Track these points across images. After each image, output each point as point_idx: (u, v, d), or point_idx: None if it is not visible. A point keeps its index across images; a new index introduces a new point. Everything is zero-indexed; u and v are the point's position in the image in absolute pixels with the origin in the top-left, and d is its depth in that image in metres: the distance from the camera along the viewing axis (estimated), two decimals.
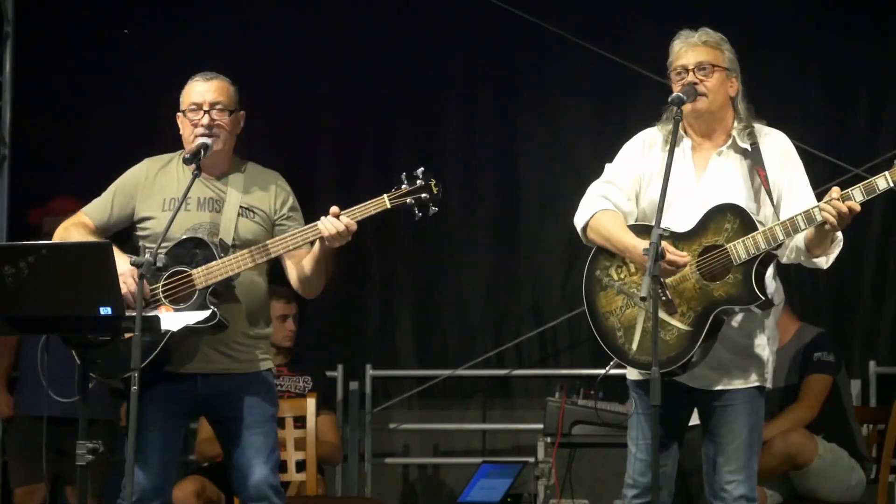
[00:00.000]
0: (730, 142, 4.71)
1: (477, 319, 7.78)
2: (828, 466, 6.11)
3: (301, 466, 6.43)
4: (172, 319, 4.70)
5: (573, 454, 6.34)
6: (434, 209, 4.81)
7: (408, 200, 4.79)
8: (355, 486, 7.52)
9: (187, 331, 4.73)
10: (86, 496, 4.58)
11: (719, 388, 4.64)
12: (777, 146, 4.72)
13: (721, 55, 4.70)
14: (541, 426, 6.48)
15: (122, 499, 4.74)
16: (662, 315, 4.55)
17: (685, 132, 4.72)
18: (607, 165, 4.81)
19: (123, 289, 4.63)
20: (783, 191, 4.67)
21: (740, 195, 4.64)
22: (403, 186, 4.80)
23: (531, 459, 6.71)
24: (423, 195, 4.79)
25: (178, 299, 4.79)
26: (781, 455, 6.05)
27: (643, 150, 4.75)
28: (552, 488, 6.33)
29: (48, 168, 7.64)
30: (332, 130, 7.84)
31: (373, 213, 4.79)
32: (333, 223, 4.73)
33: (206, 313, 4.74)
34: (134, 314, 4.47)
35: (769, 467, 6.00)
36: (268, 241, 4.85)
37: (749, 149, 4.68)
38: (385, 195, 4.80)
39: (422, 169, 4.82)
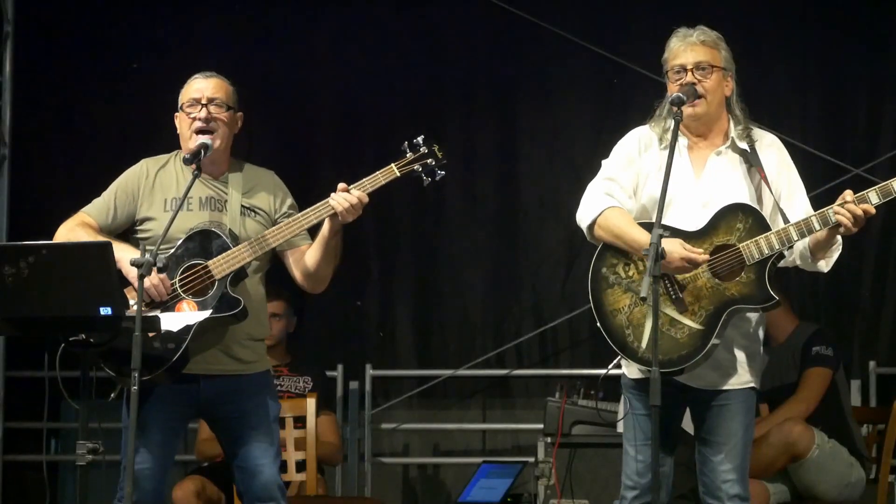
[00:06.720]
0: (728, 142, 4.71)
1: (477, 319, 7.76)
2: (826, 458, 6.08)
3: (301, 466, 6.42)
4: (195, 314, 4.70)
5: (573, 454, 6.34)
6: (441, 174, 4.88)
7: (415, 167, 4.86)
8: (355, 486, 7.52)
9: (208, 324, 4.73)
10: (86, 496, 4.58)
11: (717, 388, 4.64)
12: (774, 149, 4.74)
13: (718, 55, 4.70)
14: (541, 426, 6.49)
15: (119, 499, 4.74)
16: (673, 313, 4.56)
17: (680, 131, 4.72)
18: (604, 162, 4.81)
19: (148, 283, 4.66)
20: (782, 194, 4.67)
21: (743, 193, 4.64)
22: (408, 155, 4.86)
23: (531, 459, 6.71)
24: (430, 161, 4.87)
25: (197, 292, 4.78)
26: (779, 445, 6.03)
27: (640, 148, 4.75)
28: (552, 488, 6.32)
29: (48, 168, 7.65)
30: (331, 130, 7.82)
31: (383, 182, 4.85)
32: (346, 197, 4.77)
33: (232, 303, 4.76)
34: (146, 314, 4.48)
35: (768, 459, 6.00)
36: (282, 224, 4.85)
37: (748, 150, 4.69)
38: (393, 164, 4.86)
39: (422, 136, 4.88)
